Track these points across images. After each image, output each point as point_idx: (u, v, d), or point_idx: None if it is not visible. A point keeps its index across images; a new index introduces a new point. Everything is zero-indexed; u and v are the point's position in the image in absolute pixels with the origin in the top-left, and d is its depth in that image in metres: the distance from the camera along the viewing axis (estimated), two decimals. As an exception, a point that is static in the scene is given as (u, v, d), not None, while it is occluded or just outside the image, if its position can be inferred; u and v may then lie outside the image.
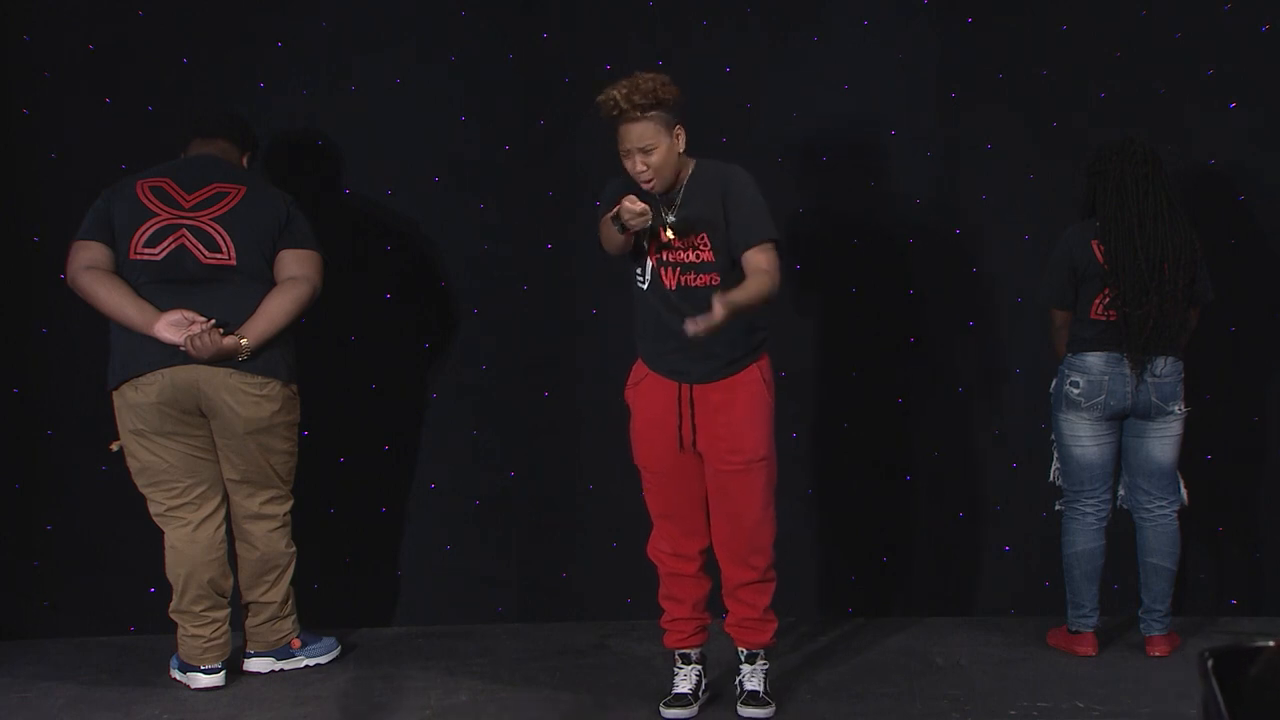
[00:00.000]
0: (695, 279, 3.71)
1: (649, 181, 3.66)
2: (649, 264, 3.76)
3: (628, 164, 3.67)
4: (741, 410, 3.76)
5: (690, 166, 3.76)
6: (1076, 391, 4.30)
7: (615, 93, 3.60)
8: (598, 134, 4.74)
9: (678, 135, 3.67)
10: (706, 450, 3.78)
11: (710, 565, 3.94)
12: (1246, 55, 4.70)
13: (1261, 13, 4.69)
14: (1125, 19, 4.72)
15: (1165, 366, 4.26)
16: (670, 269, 3.73)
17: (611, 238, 3.71)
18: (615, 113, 3.62)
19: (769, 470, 3.82)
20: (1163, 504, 4.37)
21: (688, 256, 3.72)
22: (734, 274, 3.71)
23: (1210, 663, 0.90)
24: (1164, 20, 4.71)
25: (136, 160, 4.29)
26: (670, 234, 3.68)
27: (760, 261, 3.68)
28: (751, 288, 3.60)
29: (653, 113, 3.60)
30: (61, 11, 4.60)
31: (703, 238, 3.70)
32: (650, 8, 4.75)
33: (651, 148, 3.62)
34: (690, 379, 3.76)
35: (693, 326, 3.45)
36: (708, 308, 3.49)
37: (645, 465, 3.88)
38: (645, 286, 3.78)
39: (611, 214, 3.64)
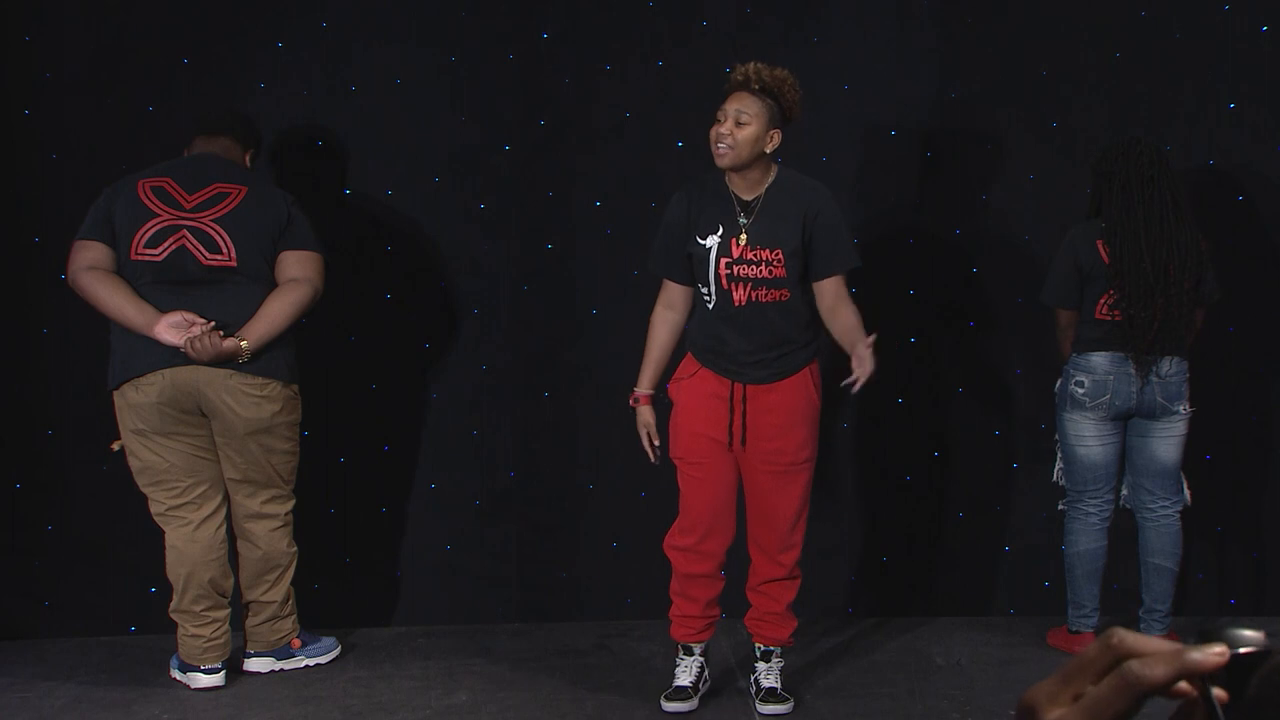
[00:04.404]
0: (766, 294, 3.71)
1: (723, 150, 3.65)
2: (715, 284, 3.73)
3: (716, 127, 3.66)
4: (790, 412, 3.78)
5: (772, 174, 3.75)
6: (1081, 391, 4.29)
7: (750, 65, 3.66)
8: (598, 134, 4.77)
9: (772, 136, 3.67)
10: (752, 449, 3.79)
11: (726, 566, 3.94)
12: (1246, 55, 4.70)
13: (1261, 13, 4.69)
14: (1125, 19, 4.72)
15: (1170, 367, 4.26)
16: (741, 284, 3.71)
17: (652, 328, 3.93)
18: (740, 79, 3.65)
19: (810, 472, 3.86)
20: (1166, 504, 4.37)
21: (760, 272, 3.70)
22: (802, 289, 3.76)
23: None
24: (1164, 20, 4.71)
25: (136, 160, 4.29)
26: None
27: (839, 300, 3.77)
28: (854, 320, 3.74)
29: (767, 99, 3.65)
30: (61, 11, 4.60)
31: (776, 254, 3.69)
32: (650, 8, 4.75)
33: (746, 122, 3.63)
34: (744, 380, 3.77)
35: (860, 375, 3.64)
36: (776, 325, 3.70)
37: (686, 458, 3.86)
38: (711, 306, 3.77)
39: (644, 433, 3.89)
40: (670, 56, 4.63)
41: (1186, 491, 4.39)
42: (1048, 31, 4.74)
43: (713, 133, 3.66)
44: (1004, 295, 4.81)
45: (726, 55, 4.75)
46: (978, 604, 4.90)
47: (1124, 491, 4.44)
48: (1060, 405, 4.39)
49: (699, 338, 3.83)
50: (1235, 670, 0.88)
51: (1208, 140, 4.72)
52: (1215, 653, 0.89)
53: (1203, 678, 0.88)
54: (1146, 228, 4.19)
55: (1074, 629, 4.44)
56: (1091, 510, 4.38)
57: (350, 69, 4.71)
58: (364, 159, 4.75)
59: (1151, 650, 0.89)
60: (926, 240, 4.83)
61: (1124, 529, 4.46)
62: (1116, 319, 4.25)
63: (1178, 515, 4.38)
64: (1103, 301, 4.27)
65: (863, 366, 3.62)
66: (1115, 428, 4.34)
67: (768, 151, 3.69)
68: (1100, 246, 4.25)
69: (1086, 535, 4.39)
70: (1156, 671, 0.88)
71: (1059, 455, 4.46)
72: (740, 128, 3.63)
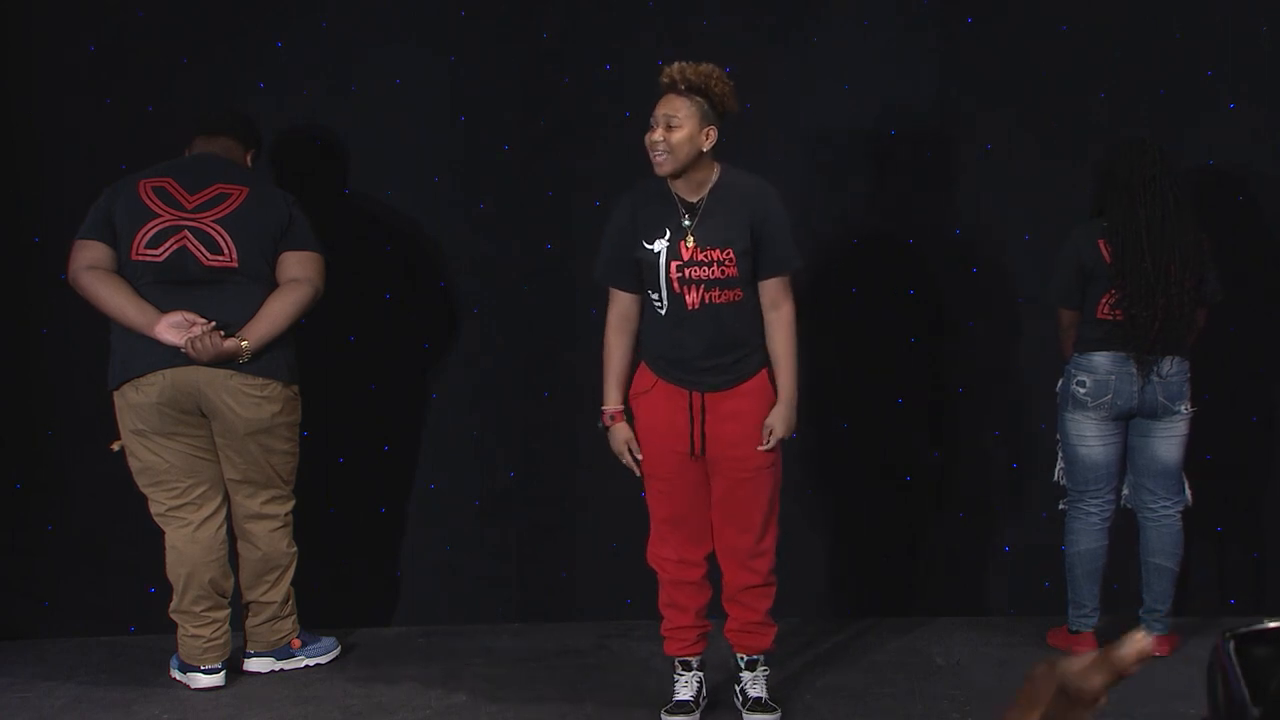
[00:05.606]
0: (719, 295, 3.68)
1: (661, 158, 3.61)
2: (666, 288, 3.69)
3: (649, 134, 3.63)
4: (751, 418, 3.75)
5: (716, 174, 3.71)
6: (1083, 391, 4.29)
7: (675, 65, 3.63)
8: (598, 134, 4.77)
9: (707, 133, 3.62)
10: (715, 457, 3.75)
11: (712, 572, 3.92)
12: (1246, 55, 4.70)
13: (1261, 13, 4.69)
14: (1125, 19, 4.72)
15: (1172, 366, 4.26)
16: (694, 287, 3.67)
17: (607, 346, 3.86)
18: (666, 81, 3.63)
19: (776, 476, 3.82)
20: (1167, 504, 4.37)
21: (712, 273, 3.67)
22: (754, 288, 3.74)
23: (1232, 644, 0.90)
24: (1164, 20, 4.71)
25: (136, 160, 4.29)
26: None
27: (780, 298, 3.76)
28: (786, 352, 3.77)
29: (697, 97, 3.61)
30: (61, 11, 4.61)
31: (727, 253, 3.66)
32: (650, 8, 4.75)
33: (677, 125, 3.59)
34: (701, 389, 3.74)
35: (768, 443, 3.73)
36: (730, 327, 3.68)
37: (653, 472, 3.82)
38: (663, 312, 3.73)
39: (611, 441, 3.85)
40: (670, 56, 4.60)
41: (1188, 491, 4.39)
42: (1048, 31, 4.74)
43: (646, 140, 3.64)
44: (1004, 295, 4.81)
45: (726, 55, 4.75)
46: (978, 604, 4.89)
47: (1125, 491, 4.44)
48: (1062, 405, 4.39)
49: (653, 346, 3.78)
50: (1258, 644, 0.88)
51: (1208, 140, 4.72)
52: (1136, 639, 0.97)
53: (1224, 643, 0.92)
54: (1148, 228, 4.19)
55: (1074, 629, 4.43)
56: (1092, 510, 4.38)
57: (350, 69, 4.72)
58: (364, 159, 4.75)
59: (1081, 666, 1.01)
60: (926, 240, 4.83)
61: (1123, 528, 4.45)
62: (1118, 319, 4.24)
63: (1179, 515, 4.38)
64: (1104, 301, 4.27)
65: (772, 435, 3.74)
66: (1117, 428, 4.34)
67: (705, 150, 3.64)
68: (1102, 246, 4.25)
69: (1087, 535, 4.39)
70: (1094, 681, 1.02)
71: (1060, 455, 4.46)
72: (672, 131, 3.59)
